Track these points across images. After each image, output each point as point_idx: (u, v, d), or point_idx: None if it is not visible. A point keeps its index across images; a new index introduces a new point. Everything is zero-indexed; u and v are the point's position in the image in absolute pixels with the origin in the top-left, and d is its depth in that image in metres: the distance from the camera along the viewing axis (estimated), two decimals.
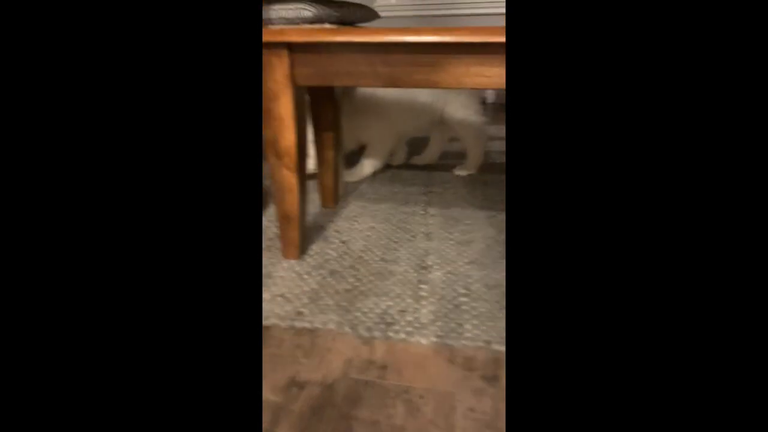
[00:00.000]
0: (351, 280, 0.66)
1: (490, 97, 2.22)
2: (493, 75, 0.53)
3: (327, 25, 0.88)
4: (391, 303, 0.61)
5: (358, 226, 0.84)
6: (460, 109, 1.09)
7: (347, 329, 0.56)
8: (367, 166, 1.11)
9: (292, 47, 0.57)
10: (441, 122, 1.12)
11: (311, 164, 1.13)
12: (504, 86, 0.52)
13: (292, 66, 0.58)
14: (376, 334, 0.55)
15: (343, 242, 0.78)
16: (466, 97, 1.11)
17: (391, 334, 0.55)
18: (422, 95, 1.08)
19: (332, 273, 0.68)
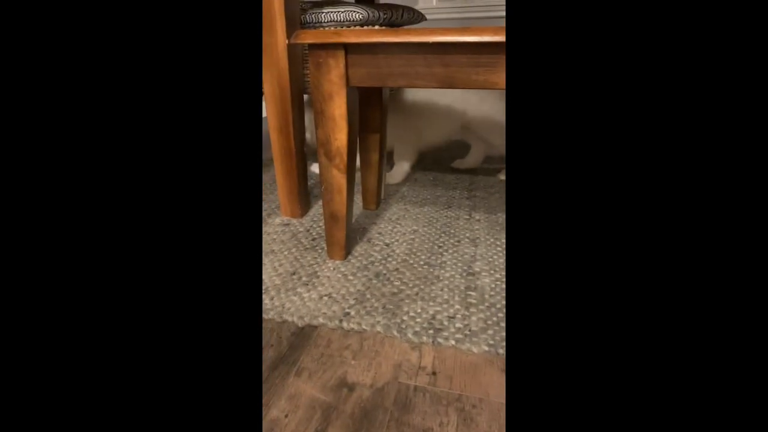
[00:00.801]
0: (396, 283, 0.66)
1: None
2: None
3: (377, 28, 0.88)
4: (438, 309, 0.59)
5: (401, 229, 0.84)
6: (482, 106, 1.07)
7: (395, 333, 0.55)
8: (400, 169, 1.11)
9: (348, 48, 0.57)
10: (466, 126, 1.10)
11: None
12: None
13: (347, 67, 0.58)
14: (425, 339, 0.54)
15: (387, 245, 0.78)
16: (486, 94, 1.10)
17: (440, 340, 0.53)
18: (444, 98, 1.07)
19: (377, 275, 0.68)
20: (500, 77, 0.53)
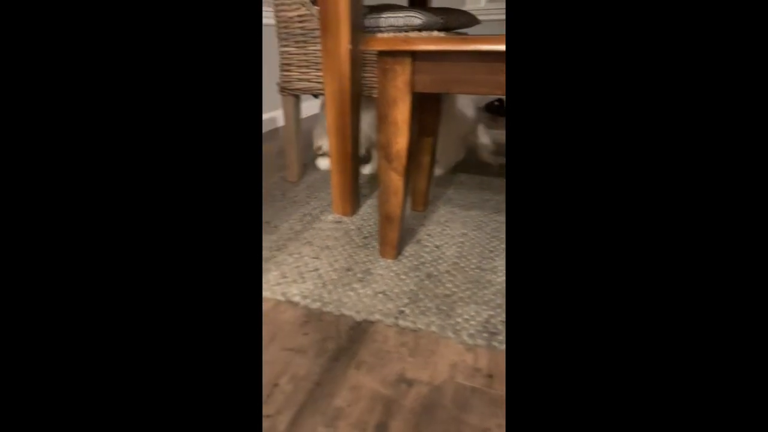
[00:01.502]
0: (449, 285, 0.67)
1: None
2: None
3: (435, 33, 0.90)
4: (492, 313, 0.60)
5: (450, 232, 0.85)
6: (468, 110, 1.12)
7: (450, 334, 0.56)
8: (437, 168, 1.15)
9: (415, 55, 0.59)
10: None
11: (369, 169, 1.17)
12: None
13: (413, 73, 0.60)
14: (480, 342, 0.55)
15: (437, 247, 0.79)
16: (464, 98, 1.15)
17: (495, 344, 0.54)
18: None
19: (429, 276, 0.69)
20: None
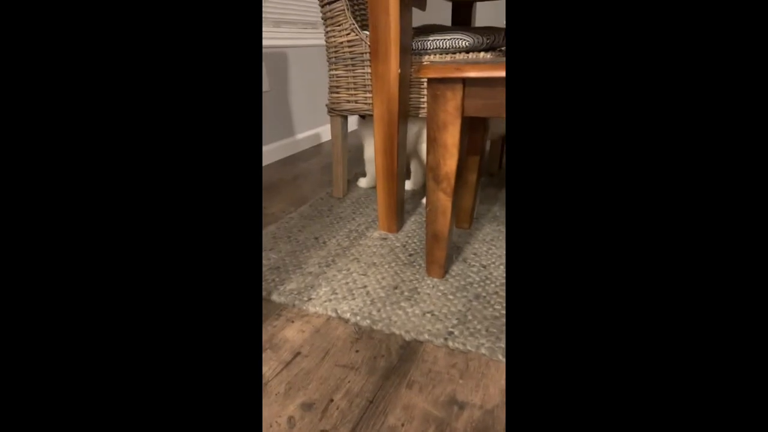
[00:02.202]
0: (497, 307, 0.67)
1: None
2: None
3: (482, 54, 0.91)
4: None
5: (497, 251, 0.84)
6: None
7: (500, 357, 0.56)
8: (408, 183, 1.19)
9: (465, 81, 0.61)
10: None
11: (408, 185, 1.18)
12: None
13: (463, 98, 0.62)
14: None
15: (484, 266, 0.79)
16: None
17: None
18: None
19: (477, 297, 0.70)
20: None
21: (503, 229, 0.94)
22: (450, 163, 0.66)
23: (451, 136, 0.64)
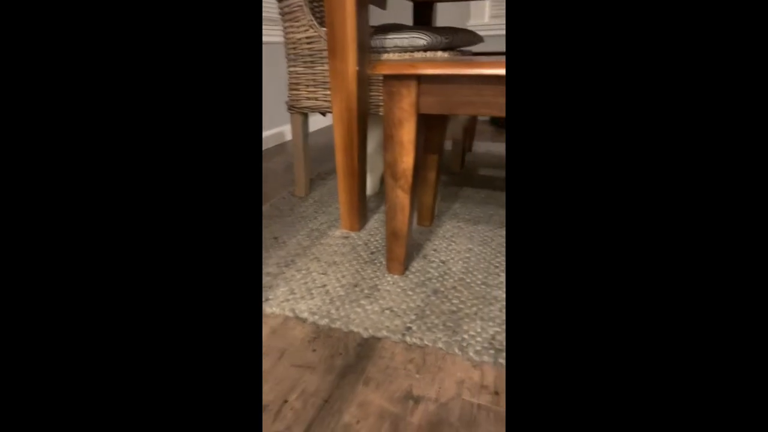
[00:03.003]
0: (455, 301, 0.68)
1: None
2: None
3: (439, 53, 0.92)
4: (498, 329, 0.61)
5: (456, 247, 0.86)
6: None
7: (456, 350, 0.57)
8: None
9: (420, 78, 0.61)
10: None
11: (369, 186, 1.16)
12: None
13: (418, 95, 0.62)
14: (486, 359, 0.55)
15: (443, 262, 0.80)
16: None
17: (501, 360, 0.55)
18: None
19: (435, 292, 0.70)
20: None
21: (463, 225, 0.96)
22: (407, 160, 0.67)
23: (407, 133, 0.64)
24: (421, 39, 0.90)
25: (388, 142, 0.66)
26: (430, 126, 0.82)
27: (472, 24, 2.15)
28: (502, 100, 0.59)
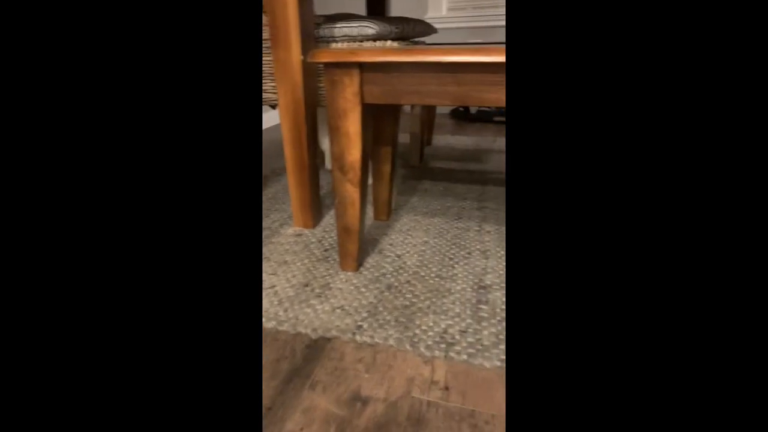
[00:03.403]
0: (408, 296, 0.66)
1: None
2: None
3: (389, 42, 0.90)
4: (450, 322, 0.60)
5: (412, 241, 0.85)
6: None
7: (407, 347, 0.55)
8: None
9: (363, 66, 0.59)
10: None
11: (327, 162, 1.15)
12: None
13: (361, 84, 0.60)
14: (437, 353, 0.54)
15: (398, 256, 0.79)
16: None
17: (452, 354, 0.54)
18: None
19: (389, 287, 0.69)
20: None
21: (420, 218, 0.95)
22: (354, 153, 0.64)
23: (353, 125, 0.62)
24: (370, 28, 0.87)
25: (334, 134, 0.64)
26: (380, 117, 0.80)
27: (430, 17, 2.15)
28: (449, 89, 0.57)
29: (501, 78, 0.54)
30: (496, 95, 0.55)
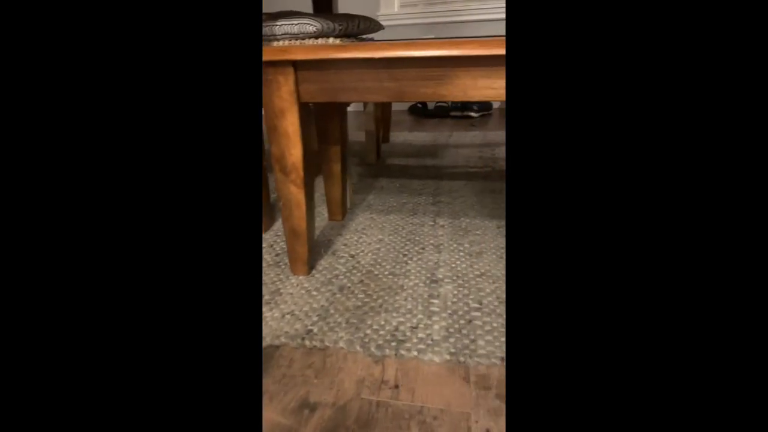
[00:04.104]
0: (361, 296, 0.65)
1: (496, 102, 2.21)
2: (500, 87, 0.53)
3: (332, 39, 0.88)
4: (402, 319, 0.60)
5: (367, 239, 0.84)
6: None
7: (358, 348, 0.55)
8: None
9: (297, 65, 0.57)
10: None
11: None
12: None
13: (297, 83, 0.58)
14: (388, 352, 0.54)
15: (352, 256, 0.78)
16: None
17: (403, 352, 0.54)
18: None
19: (341, 289, 0.68)
20: (449, 90, 0.54)
21: (375, 216, 0.94)
22: (295, 153, 0.62)
23: (291, 124, 0.60)
24: (311, 25, 0.85)
25: (272, 134, 0.62)
26: (325, 115, 0.79)
27: (382, 14, 2.15)
28: (386, 84, 0.57)
29: (437, 72, 0.54)
30: (432, 90, 0.55)
